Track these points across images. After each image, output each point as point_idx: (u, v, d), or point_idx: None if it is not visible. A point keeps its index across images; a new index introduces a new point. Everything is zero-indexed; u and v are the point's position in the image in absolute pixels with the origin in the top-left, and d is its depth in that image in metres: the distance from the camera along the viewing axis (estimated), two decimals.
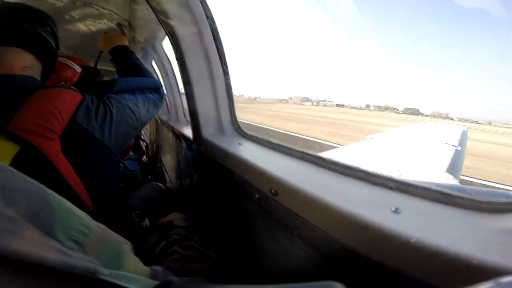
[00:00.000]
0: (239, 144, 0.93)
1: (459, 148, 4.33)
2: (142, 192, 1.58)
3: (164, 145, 2.37)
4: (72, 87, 1.34)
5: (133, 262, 0.40)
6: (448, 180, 3.37)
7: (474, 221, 0.41)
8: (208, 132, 1.09)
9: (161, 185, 1.76)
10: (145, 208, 1.32)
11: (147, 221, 1.17)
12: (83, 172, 0.72)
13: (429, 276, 0.36)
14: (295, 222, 0.58)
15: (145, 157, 3.03)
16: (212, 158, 0.98)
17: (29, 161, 0.64)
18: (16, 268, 0.21)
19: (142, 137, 3.26)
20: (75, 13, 1.43)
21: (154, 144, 3.08)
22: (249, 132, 1.01)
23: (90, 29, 1.65)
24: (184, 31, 1.04)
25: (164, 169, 2.38)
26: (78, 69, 1.38)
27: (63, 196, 0.66)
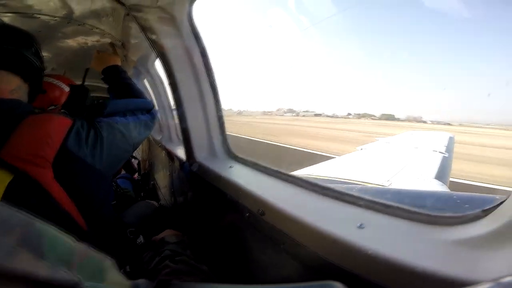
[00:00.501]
0: (230, 167, 1.00)
1: (446, 155, 4.47)
2: (136, 210, 1.61)
3: (157, 164, 2.39)
4: (62, 110, 1.35)
5: (115, 276, 0.44)
6: (437, 186, 3.47)
7: (428, 233, 0.49)
8: (201, 155, 1.16)
9: (154, 202, 1.80)
10: (139, 225, 1.35)
11: (141, 238, 1.20)
12: (76, 197, 0.74)
13: (390, 284, 0.43)
14: (281, 238, 0.65)
15: (137, 174, 3.05)
16: (205, 179, 1.05)
17: (24, 189, 0.66)
18: (15, 282, 0.28)
19: (134, 155, 3.27)
20: (68, 31, 1.44)
21: (147, 162, 3.09)
22: (239, 155, 1.09)
23: (82, 46, 1.65)
24: (174, 53, 1.10)
25: (157, 187, 2.40)
26: (66, 89, 1.36)
27: (59, 220, 0.73)
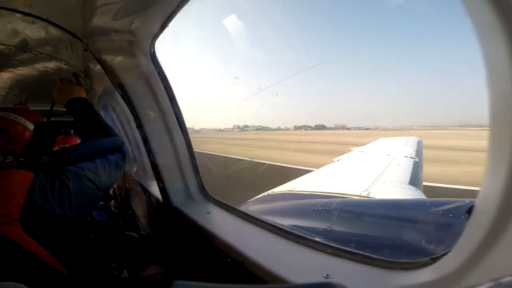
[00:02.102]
0: (208, 213, 1.03)
1: (417, 160, 4.73)
2: (117, 244, 1.58)
3: (133, 194, 2.32)
4: (20, 159, 1.15)
5: None
6: (411, 192, 3.66)
7: (387, 278, 0.55)
8: (177, 199, 1.17)
9: (134, 234, 1.77)
10: (121, 260, 1.32)
11: (125, 273, 1.18)
12: (52, 247, 0.74)
13: None
14: (261, 284, 0.69)
15: (113, 202, 2.96)
16: (183, 222, 1.06)
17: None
18: None
19: None
20: (25, 59, 1.38)
21: (122, 190, 3.01)
22: (218, 199, 1.12)
23: (42, 74, 1.59)
24: (135, 88, 1.09)
25: (135, 216, 2.33)
26: (31, 126, 1.17)
27: (39, 271, 0.73)
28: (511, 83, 0.33)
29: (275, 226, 0.80)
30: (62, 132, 2.70)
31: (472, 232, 0.44)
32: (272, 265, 0.65)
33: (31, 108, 1.44)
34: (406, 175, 4.22)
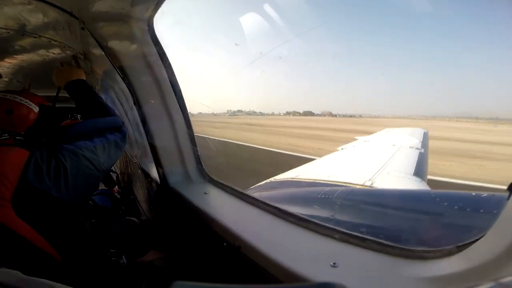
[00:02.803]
0: (205, 193, 0.97)
1: (422, 151, 4.63)
2: (116, 230, 1.56)
3: (135, 179, 2.29)
4: (17, 138, 1.25)
5: None
6: (416, 183, 3.59)
7: (401, 268, 0.49)
8: (174, 179, 1.11)
9: (135, 219, 1.74)
10: (121, 245, 1.30)
11: (124, 259, 1.15)
12: (45, 231, 0.70)
13: None
14: (258, 271, 0.63)
15: (116, 187, 2.97)
16: (180, 204, 1.01)
17: None
18: None
19: (113, 169, 3.18)
20: (25, 43, 1.36)
21: (125, 175, 2.99)
22: (216, 178, 1.05)
23: (44, 59, 1.57)
24: (134, 67, 1.04)
25: (137, 201, 2.31)
26: (36, 109, 1.17)
27: (32, 256, 0.67)
28: None
29: (276, 208, 0.73)
30: (69, 116, 2.68)
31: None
32: (270, 250, 0.58)
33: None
34: (411, 166, 4.13)
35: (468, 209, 1.19)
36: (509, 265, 0.37)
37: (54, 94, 1.30)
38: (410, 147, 4.71)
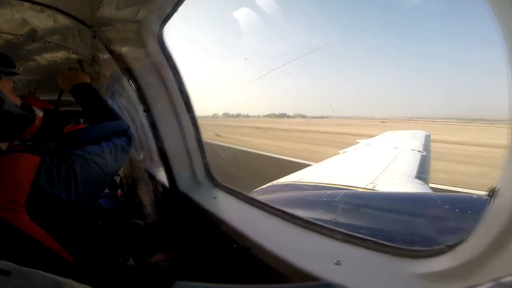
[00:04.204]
0: (214, 198, 1.02)
1: (424, 153, 4.66)
2: (123, 232, 1.59)
3: (140, 182, 2.32)
4: (28, 143, 1.24)
5: None
6: (418, 186, 3.62)
7: (398, 266, 0.54)
8: (184, 184, 1.16)
9: (140, 222, 1.78)
10: (128, 247, 1.34)
11: (131, 261, 1.19)
12: (57, 235, 0.73)
13: None
14: (267, 271, 0.68)
15: (120, 190, 3.00)
16: (189, 207, 1.06)
17: (3, 235, 0.65)
18: None
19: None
20: (33, 49, 1.39)
21: (129, 178, 3.02)
22: (224, 183, 1.10)
23: (51, 63, 1.61)
24: (143, 74, 1.08)
25: (142, 204, 2.34)
26: (40, 113, 1.22)
27: (45, 259, 0.71)
28: None
29: (282, 211, 0.78)
30: (72, 120, 2.72)
31: (495, 216, 0.41)
32: (279, 250, 0.63)
33: (40, 98, 1.47)
34: (413, 168, 4.16)
35: (464, 211, 1.24)
36: (491, 264, 0.42)
37: (65, 98, 1.31)
38: (412, 150, 4.75)
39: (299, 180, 3.84)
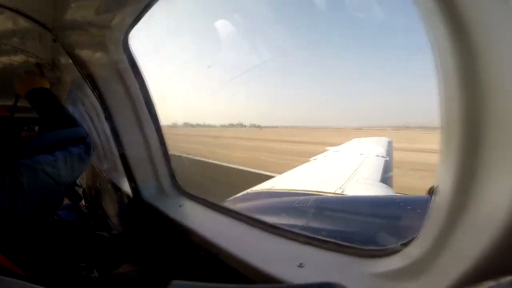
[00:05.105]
0: (180, 206, 1.00)
1: (387, 159, 4.96)
2: (86, 244, 1.51)
3: (104, 192, 2.22)
4: None
5: None
6: (383, 189, 3.82)
7: (357, 266, 0.56)
8: (148, 193, 1.12)
9: (105, 234, 1.72)
10: (91, 259, 1.24)
11: (95, 272, 1.11)
12: (4, 248, 0.66)
13: None
14: (234, 276, 0.68)
15: (83, 202, 2.84)
16: (155, 217, 1.03)
17: None
18: None
19: (78, 182, 3.01)
20: None
21: (92, 189, 2.83)
22: (190, 191, 1.09)
23: (7, 67, 1.51)
24: (106, 80, 1.05)
25: (106, 215, 2.23)
26: None
27: None
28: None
29: (248, 217, 0.79)
30: (25, 128, 2.53)
31: (436, 213, 0.45)
32: (245, 255, 0.64)
33: None
34: (378, 173, 4.40)
35: (417, 210, 1.33)
36: (441, 257, 0.46)
37: (22, 104, 1.19)
38: (376, 155, 5.03)
39: (272, 188, 3.88)
